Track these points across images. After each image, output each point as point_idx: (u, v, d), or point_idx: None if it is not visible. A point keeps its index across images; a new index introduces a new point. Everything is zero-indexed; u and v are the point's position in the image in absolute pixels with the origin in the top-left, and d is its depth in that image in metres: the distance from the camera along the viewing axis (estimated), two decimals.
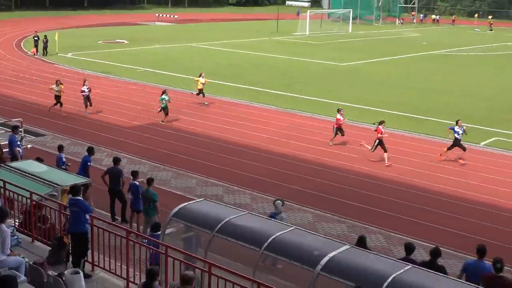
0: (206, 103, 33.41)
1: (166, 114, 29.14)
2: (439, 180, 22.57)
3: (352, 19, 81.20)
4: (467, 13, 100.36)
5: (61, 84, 30.10)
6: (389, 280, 10.10)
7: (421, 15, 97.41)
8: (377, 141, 24.05)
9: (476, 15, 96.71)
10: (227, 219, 12.16)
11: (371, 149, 24.26)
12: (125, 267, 12.04)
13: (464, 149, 24.18)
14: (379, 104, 34.66)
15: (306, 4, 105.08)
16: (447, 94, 38.57)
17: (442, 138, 27.15)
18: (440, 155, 24.79)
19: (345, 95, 37.05)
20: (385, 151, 23.98)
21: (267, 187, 20.68)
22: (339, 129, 26.15)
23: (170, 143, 26.21)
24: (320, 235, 14.47)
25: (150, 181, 16.45)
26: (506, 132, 29.46)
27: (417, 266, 11.53)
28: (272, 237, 11.48)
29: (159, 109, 29.25)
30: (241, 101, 34.26)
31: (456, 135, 24.20)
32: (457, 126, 24.19)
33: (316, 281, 10.54)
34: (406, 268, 10.61)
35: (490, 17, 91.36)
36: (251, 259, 11.31)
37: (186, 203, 13.17)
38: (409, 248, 12.87)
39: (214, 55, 53.13)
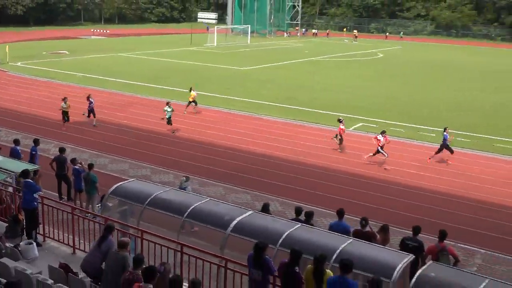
0: (185, 112, 30.13)
1: (170, 124, 26.29)
2: (312, 156, 23.46)
3: (250, 33, 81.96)
4: (338, 27, 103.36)
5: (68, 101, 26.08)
6: (283, 236, 10.57)
7: (303, 30, 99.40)
8: (378, 148, 22.33)
9: (344, 29, 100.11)
10: (155, 194, 12.39)
11: (372, 155, 22.59)
12: (72, 237, 12.15)
13: (451, 151, 22.89)
14: (267, 99, 35.56)
15: (213, 21, 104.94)
16: (324, 89, 39.83)
17: (315, 123, 28.18)
18: (429, 158, 23.32)
19: (240, 92, 37.72)
20: (374, 154, 22.63)
21: (186, 168, 20.80)
22: (337, 135, 24.21)
23: (107, 134, 25.80)
24: (230, 203, 14.81)
25: (90, 166, 16.36)
26: (369, 118, 30.73)
27: (305, 224, 12.09)
28: (192, 207, 11.77)
29: (165, 120, 26.40)
30: (162, 99, 34.13)
31: (444, 139, 22.80)
32: (446, 133, 22.90)
33: (227, 240, 10.88)
34: (296, 226, 11.13)
35: (355, 31, 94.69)
36: (175, 225, 11.54)
37: (120, 183, 13.26)
38: (298, 211, 13.38)
39: (140, 62, 52.46)
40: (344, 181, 20.60)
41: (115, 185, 12.98)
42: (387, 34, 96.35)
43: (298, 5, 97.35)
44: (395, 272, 9.46)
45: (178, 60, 55.10)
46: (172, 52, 61.78)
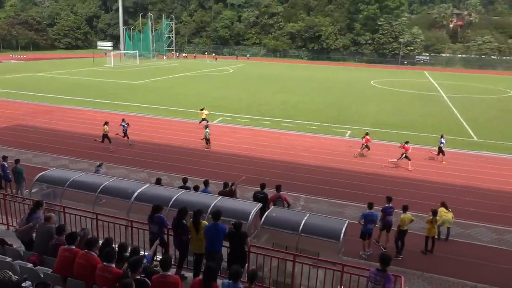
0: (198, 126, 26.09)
1: (207, 142, 21.96)
2: (177, 141, 23.20)
3: (138, 56, 78.40)
4: (201, 52, 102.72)
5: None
6: (172, 199, 10.36)
7: (177, 53, 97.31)
8: (403, 155, 19.79)
9: (206, 53, 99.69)
10: (72, 178, 11.45)
11: (398, 159, 19.98)
12: (5, 217, 10.93)
13: (443, 153, 21.16)
14: (154, 103, 34.19)
15: (110, 48, 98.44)
16: (194, 95, 39.14)
17: (189, 119, 27.94)
18: (432, 158, 21.66)
19: (133, 98, 35.76)
20: (409, 159, 19.81)
21: (98, 157, 19.46)
22: (366, 146, 21.46)
23: (30, 136, 23.21)
24: (132, 180, 14.17)
25: (17, 160, 14.73)
26: (226, 114, 31.05)
27: (189, 191, 11.98)
28: (102, 185, 11.08)
29: (202, 138, 22.24)
30: (76, 107, 31.47)
31: (441, 144, 21.07)
32: (442, 139, 21.25)
33: (131, 207, 10.44)
34: (181, 192, 10.96)
35: (214, 54, 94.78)
36: (91, 200, 10.79)
37: (44, 172, 12.02)
38: (184, 180, 13.25)
39: (52, 80, 47.60)
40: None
41: (39, 174, 11.78)
42: (237, 56, 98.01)
43: (172, 36, 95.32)
44: (250, 216, 9.73)
45: (83, 77, 50.91)
46: (78, 71, 56.90)
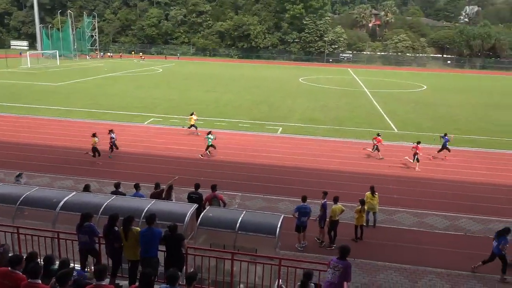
0: (198, 133, 24.73)
1: (214, 148, 21.00)
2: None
3: (59, 56, 73.56)
4: (128, 51, 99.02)
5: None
6: (103, 206, 9.89)
7: (101, 53, 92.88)
8: (416, 156, 19.94)
9: (133, 52, 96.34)
10: None
11: (413, 161, 20.02)
12: None
13: (449, 150, 21.75)
14: (76, 105, 32.40)
15: (25, 48, 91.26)
16: (120, 96, 37.71)
17: (118, 122, 26.82)
18: (433, 157, 21.93)
19: (53, 102, 33.67)
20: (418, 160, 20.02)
21: (16, 167, 18.01)
22: (377, 147, 21.60)
23: None
24: (57, 188, 13.31)
25: None
26: (156, 115, 30.29)
27: (122, 196, 11.52)
28: (23, 195, 10.28)
29: (206, 147, 20.95)
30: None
31: (445, 141, 21.55)
32: (446, 137, 21.70)
33: (57, 217, 9.81)
34: (112, 198, 10.50)
35: (141, 53, 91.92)
36: (10, 213, 9.96)
37: None
38: (116, 185, 12.68)
39: None
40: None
41: None
42: (166, 55, 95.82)
43: (95, 35, 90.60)
44: (186, 217, 9.59)
45: None
46: None
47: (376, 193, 13.87)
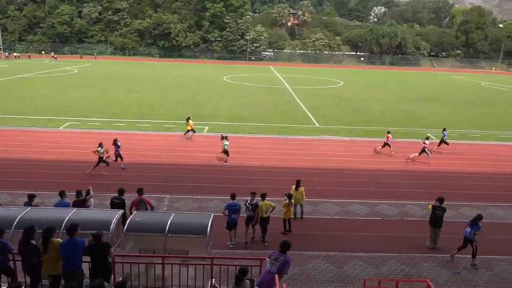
0: (181, 139, 23.96)
1: (227, 155, 20.26)
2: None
3: None
4: (38, 51, 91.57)
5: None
6: (16, 220, 9.10)
7: (7, 53, 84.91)
8: (424, 149, 20.81)
9: (43, 52, 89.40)
10: None
11: (419, 154, 20.97)
12: None
13: (447, 144, 23.08)
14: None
15: None
16: (32, 99, 34.87)
17: (28, 127, 24.79)
18: (434, 150, 22.62)
19: None
20: (428, 154, 20.99)
21: None
22: (386, 144, 22.15)
23: None
24: None
25: None
26: (73, 118, 28.50)
27: (38, 207, 10.66)
28: None
29: (221, 151, 20.24)
30: None
31: (443, 136, 22.92)
32: (445, 132, 23.05)
33: None
34: (27, 210, 9.69)
35: (52, 53, 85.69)
36: None
37: None
38: (30, 197, 11.65)
39: None
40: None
41: None
42: (81, 55, 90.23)
43: None
44: (112, 224, 9.15)
45: None
46: None
47: (301, 187, 14.32)
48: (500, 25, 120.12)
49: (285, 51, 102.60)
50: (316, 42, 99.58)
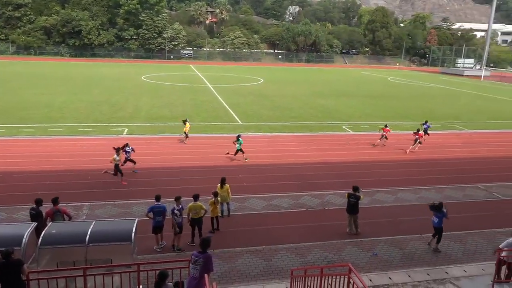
0: (185, 142, 23.70)
1: (242, 152, 20.45)
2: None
3: None
4: None
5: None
6: None
7: None
8: (417, 140, 23.25)
9: None
10: None
11: (413, 145, 23.26)
12: None
13: (428, 134, 25.42)
14: None
15: None
16: None
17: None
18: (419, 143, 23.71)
19: None
20: (420, 143, 23.41)
21: None
22: (385, 137, 24.19)
23: None
24: None
25: None
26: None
27: None
28: None
29: (235, 152, 20.48)
30: None
31: (426, 127, 25.02)
32: (427, 124, 25.29)
33: None
34: None
35: None
36: None
37: None
38: None
39: None
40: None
41: None
42: None
43: None
44: (24, 239, 8.43)
45: None
46: None
47: (226, 184, 14.37)
48: (401, 25, 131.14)
49: (204, 49, 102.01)
50: (235, 40, 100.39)
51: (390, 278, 11.10)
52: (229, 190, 14.34)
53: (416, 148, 23.27)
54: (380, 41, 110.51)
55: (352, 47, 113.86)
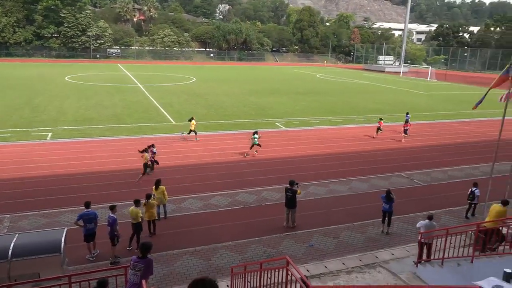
0: (197, 139, 24.35)
1: (259, 146, 21.73)
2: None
3: None
4: None
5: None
6: None
7: None
8: (407, 130, 26.33)
9: None
10: None
11: (404, 134, 26.34)
12: None
13: (409, 125, 27.41)
14: None
15: None
16: None
17: None
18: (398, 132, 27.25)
19: None
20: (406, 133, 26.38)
21: None
22: (379, 128, 26.58)
23: None
24: None
25: None
26: None
27: None
28: None
29: (251, 146, 21.56)
30: None
31: (407, 118, 27.57)
32: (408, 115, 28.05)
33: None
34: None
35: None
36: None
37: None
38: None
39: None
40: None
41: None
42: None
43: None
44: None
45: None
46: None
47: (162, 186, 14.05)
48: (327, 24, 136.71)
49: (133, 48, 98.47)
50: (165, 38, 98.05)
51: (325, 266, 11.56)
52: (165, 192, 14.02)
53: (403, 140, 26.25)
54: (308, 39, 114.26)
55: (282, 46, 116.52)
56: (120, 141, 23.91)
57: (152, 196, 13.32)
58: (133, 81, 53.12)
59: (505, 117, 14.30)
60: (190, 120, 24.36)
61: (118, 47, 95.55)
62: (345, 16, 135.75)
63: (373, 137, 26.61)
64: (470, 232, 11.42)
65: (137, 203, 12.15)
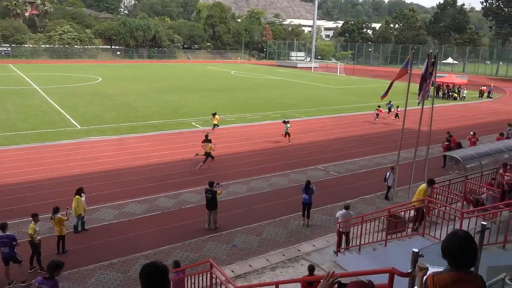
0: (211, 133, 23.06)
1: (289, 135, 24.38)
2: None
3: None
4: None
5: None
6: None
7: None
8: (396, 114, 30.65)
9: None
10: None
11: (394, 117, 30.66)
12: None
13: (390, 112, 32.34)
14: None
15: None
16: None
17: None
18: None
19: None
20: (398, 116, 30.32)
21: None
22: (377, 114, 30.89)
23: None
24: None
25: None
26: None
27: None
28: None
29: (284, 134, 24.40)
30: None
31: (389, 106, 31.81)
32: (391, 103, 31.57)
33: None
34: None
35: None
36: None
37: None
38: None
39: None
40: None
41: None
42: None
43: None
44: None
45: None
46: None
47: (84, 194, 13.28)
48: (239, 20, 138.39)
49: (26, 46, 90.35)
50: (63, 35, 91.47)
51: (250, 265, 11.75)
52: (80, 202, 13.12)
53: (398, 121, 30.11)
54: (221, 36, 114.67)
55: (194, 42, 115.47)
56: (18, 150, 21.86)
57: (67, 209, 12.43)
58: (28, 83, 48.79)
59: (407, 108, 15.75)
60: (214, 115, 25.43)
61: (8, 45, 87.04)
62: (256, 13, 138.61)
63: (374, 123, 31.11)
64: (383, 217, 12.40)
65: (34, 216, 11.22)
